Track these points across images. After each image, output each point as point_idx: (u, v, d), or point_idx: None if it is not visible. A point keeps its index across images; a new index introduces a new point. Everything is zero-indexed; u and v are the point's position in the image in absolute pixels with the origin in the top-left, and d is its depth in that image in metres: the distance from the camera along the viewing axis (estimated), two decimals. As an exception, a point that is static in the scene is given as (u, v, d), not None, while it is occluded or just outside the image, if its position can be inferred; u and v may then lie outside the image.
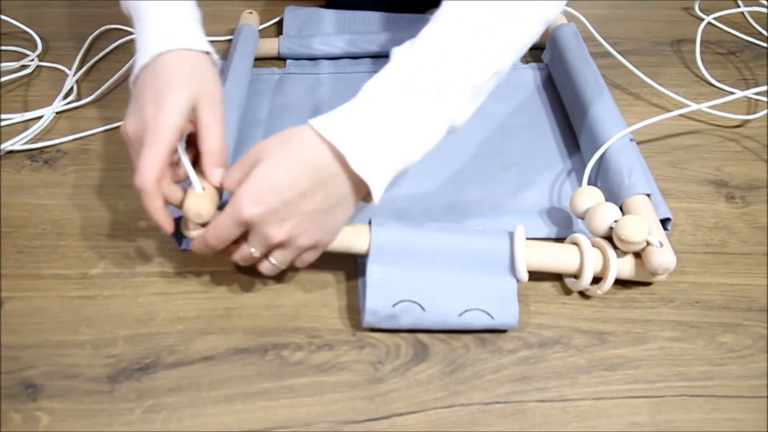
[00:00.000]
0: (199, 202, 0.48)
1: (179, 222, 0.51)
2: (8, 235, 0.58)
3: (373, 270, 0.50)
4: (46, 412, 0.46)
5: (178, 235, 0.52)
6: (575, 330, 0.52)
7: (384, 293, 0.49)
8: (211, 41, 0.80)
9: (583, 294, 0.54)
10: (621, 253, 0.52)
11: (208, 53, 0.52)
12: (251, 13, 0.81)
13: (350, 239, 0.51)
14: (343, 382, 0.48)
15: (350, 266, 0.55)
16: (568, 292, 0.54)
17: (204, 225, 0.49)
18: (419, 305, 0.49)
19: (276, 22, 0.85)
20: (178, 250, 0.56)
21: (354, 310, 0.52)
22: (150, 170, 0.46)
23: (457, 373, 0.49)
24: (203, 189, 0.48)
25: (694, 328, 0.52)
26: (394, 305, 0.49)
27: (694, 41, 0.81)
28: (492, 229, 0.53)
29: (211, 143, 0.49)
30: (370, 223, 0.52)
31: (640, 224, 0.51)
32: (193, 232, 0.49)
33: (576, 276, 0.53)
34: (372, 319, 0.49)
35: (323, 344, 0.50)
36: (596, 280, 0.52)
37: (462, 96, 0.47)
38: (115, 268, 0.55)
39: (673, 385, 0.48)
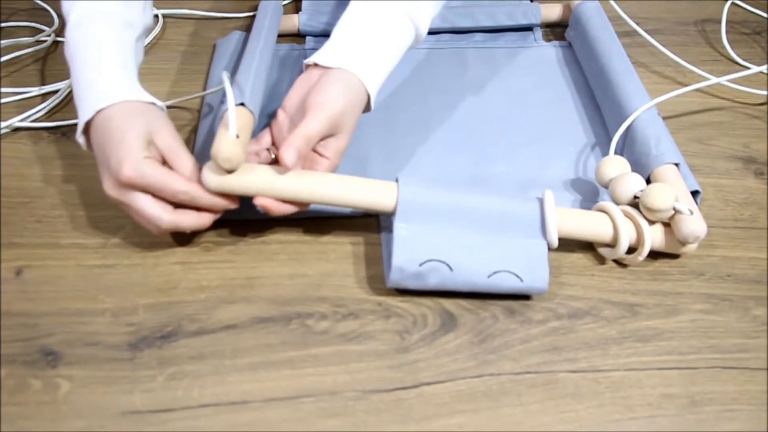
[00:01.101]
0: (233, 146, 0.47)
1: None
2: (26, 204, 0.57)
3: (399, 227, 0.49)
4: (67, 379, 0.45)
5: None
6: (605, 301, 0.50)
7: (411, 251, 0.48)
8: (232, 17, 0.81)
9: (615, 264, 0.53)
10: (649, 222, 0.51)
11: (152, 104, 0.52)
12: None
13: (378, 195, 0.49)
14: (370, 351, 0.47)
15: (374, 237, 0.54)
16: (597, 263, 0.53)
17: (229, 171, 0.47)
18: (447, 265, 0.48)
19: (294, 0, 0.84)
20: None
21: (379, 279, 0.51)
22: (174, 182, 0.48)
23: (486, 343, 0.48)
24: (237, 136, 0.47)
25: (726, 301, 0.51)
26: (421, 264, 0.47)
27: (718, 21, 0.80)
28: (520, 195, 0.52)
29: (183, 164, 0.49)
30: (397, 180, 0.50)
31: (667, 191, 0.49)
32: (213, 178, 0.48)
33: (610, 245, 0.51)
34: (398, 277, 0.48)
35: (348, 313, 0.49)
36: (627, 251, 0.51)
37: (426, 18, 0.57)
38: (135, 237, 0.54)
39: (707, 357, 0.47)
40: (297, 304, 0.50)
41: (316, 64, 0.53)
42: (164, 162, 0.49)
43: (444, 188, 0.50)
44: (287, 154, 0.47)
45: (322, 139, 0.51)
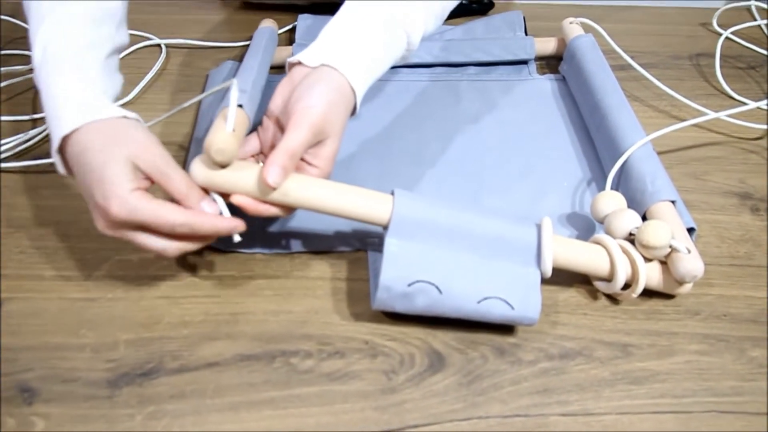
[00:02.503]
0: (228, 138, 0.45)
1: None
2: (11, 235, 0.56)
3: (391, 243, 0.47)
4: (42, 417, 0.44)
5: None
6: (598, 341, 0.49)
7: (400, 269, 0.46)
8: (226, 47, 0.81)
9: (608, 303, 0.52)
10: (645, 259, 0.50)
11: (125, 117, 0.48)
12: (271, 21, 0.80)
13: (371, 206, 0.47)
14: (355, 392, 0.46)
15: (363, 273, 0.53)
16: (590, 301, 0.52)
17: (223, 166, 0.46)
18: (436, 287, 0.46)
19: (288, 30, 0.84)
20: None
21: (366, 317, 0.50)
22: (169, 214, 0.45)
23: (475, 384, 0.46)
24: (233, 130, 0.46)
25: (722, 342, 0.50)
26: (410, 284, 0.46)
27: (712, 55, 0.80)
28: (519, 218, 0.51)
29: (178, 187, 0.46)
30: (392, 193, 0.49)
31: (664, 228, 0.49)
32: (202, 171, 0.46)
33: (606, 278, 0.50)
34: (384, 296, 0.46)
35: (334, 352, 0.48)
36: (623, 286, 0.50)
37: (418, 26, 0.55)
38: (119, 271, 0.53)
39: (702, 401, 0.46)
40: (281, 341, 0.49)
41: (300, 63, 0.51)
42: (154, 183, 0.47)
43: (441, 205, 0.48)
44: (270, 174, 0.45)
45: (310, 147, 0.48)
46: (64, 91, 0.48)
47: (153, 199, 0.45)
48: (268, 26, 0.78)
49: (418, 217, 0.47)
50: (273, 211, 0.48)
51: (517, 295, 0.47)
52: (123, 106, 0.72)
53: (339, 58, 0.50)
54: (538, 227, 0.49)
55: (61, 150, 0.47)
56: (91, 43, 0.51)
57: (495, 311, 0.47)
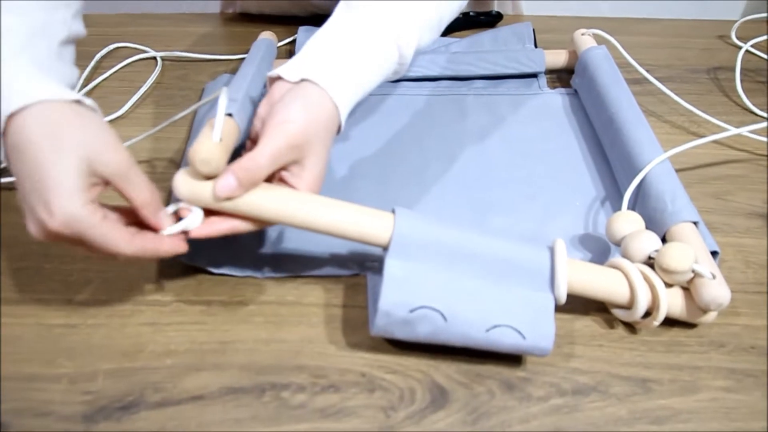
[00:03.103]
0: (214, 148, 0.42)
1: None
2: (-10, 255, 0.53)
3: (391, 265, 0.43)
4: (10, 456, 0.40)
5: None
6: (614, 376, 0.45)
7: (402, 294, 0.42)
8: (224, 59, 0.78)
9: (625, 333, 0.48)
10: (666, 285, 0.46)
11: (80, 102, 0.42)
12: (270, 33, 0.78)
13: (370, 225, 0.44)
14: (350, 430, 0.42)
15: (361, 300, 0.50)
16: (606, 331, 0.48)
17: (209, 178, 0.43)
18: (441, 314, 0.42)
19: (289, 43, 0.82)
20: (172, 277, 0.51)
21: (364, 347, 0.47)
22: (125, 245, 0.41)
23: (480, 422, 0.42)
24: (221, 140, 0.43)
25: (751, 377, 0.46)
26: (411, 311, 0.42)
27: (731, 69, 0.77)
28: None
29: (140, 194, 0.42)
30: (393, 211, 0.45)
31: (686, 251, 0.45)
32: (185, 185, 0.43)
33: (625, 306, 0.47)
34: (383, 322, 0.43)
35: (329, 385, 0.44)
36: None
37: (411, 38, 0.52)
38: (102, 295, 0.50)
39: (730, 443, 0.42)
40: (272, 372, 0.45)
41: (280, 78, 0.48)
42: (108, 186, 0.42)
43: (446, 225, 0.45)
44: (219, 184, 0.41)
45: (287, 167, 0.45)
46: (11, 69, 0.41)
47: (103, 220, 0.40)
48: (267, 38, 0.75)
49: (422, 237, 0.44)
50: (220, 232, 0.44)
51: (528, 323, 0.43)
52: (115, 120, 0.69)
53: (321, 73, 0.47)
54: (551, 250, 0.46)
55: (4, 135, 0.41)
56: (45, 24, 0.47)
57: (505, 340, 0.43)
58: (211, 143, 0.43)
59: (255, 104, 0.60)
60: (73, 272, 0.52)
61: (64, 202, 0.38)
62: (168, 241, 0.44)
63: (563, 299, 0.45)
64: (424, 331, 0.43)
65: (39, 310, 0.49)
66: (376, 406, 0.43)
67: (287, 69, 0.48)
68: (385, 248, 0.45)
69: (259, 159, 0.42)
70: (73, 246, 0.42)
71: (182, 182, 0.43)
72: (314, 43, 0.50)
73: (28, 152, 0.39)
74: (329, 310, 0.49)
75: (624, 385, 0.45)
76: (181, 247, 0.45)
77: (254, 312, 0.49)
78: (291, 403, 0.43)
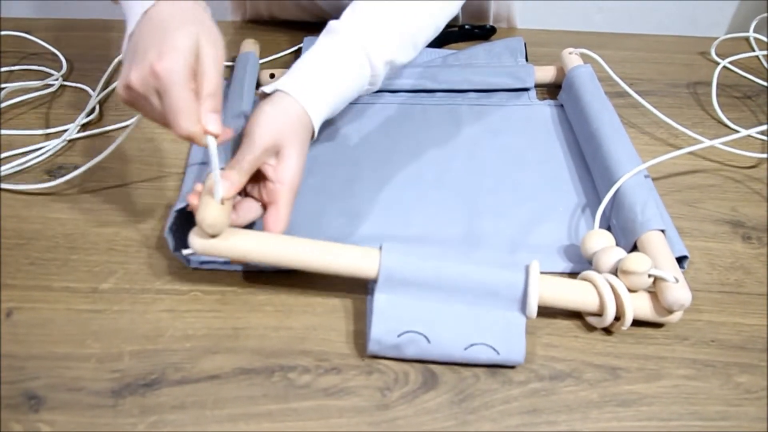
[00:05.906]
0: (218, 213, 0.48)
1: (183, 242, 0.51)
2: (21, 246, 0.58)
3: (379, 298, 0.50)
4: (48, 424, 0.45)
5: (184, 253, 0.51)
6: (587, 364, 0.51)
7: (389, 323, 0.49)
8: (227, 65, 0.82)
9: (597, 328, 0.53)
10: (632, 290, 0.51)
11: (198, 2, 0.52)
12: (253, 42, 0.81)
13: (360, 263, 0.50)
14: (350, 407, 0.47)
15: (360, 291, 0.55)
16: (581, 325, 0.53)
17: (213, 236, 0.49)
18: (425, 337, 0.48)
19: (293, 52, 0.86)
20: (189, 269, 0.56)
21: (363, 335, 0.52)
22: (187, 118, 0.47)
23: (466, 402, 0.48)
24: (222, 203, 0.49)
25: (710, 367, 0.51)
26: (399, 335, 0.48)
27: (709, 84, 0.82)
28: (506, 262, 0.53)
29: (209, 86, 0.48)
30: (380, 248, 0.51)
31: (642, 257, 0.50)
32: (198, 242, 0.49)
33: (597, 313, 0.52)
34: (376, 348, 0.49)
35: (331, 368, 0.49)
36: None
37: (384, 50, 0.60)
38: (125, 284, 0.55)
39: (688, 424, 0.47)
40: (281, 356, 0.50)
41: (264, 93, 0.57)
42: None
43: (427, 257, 0.51)
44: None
45: (266, 162, 0.53)
46: None
47: (191, 89, 0.47)
48: (250, 51, 0.79)
49: (406, 272, 0.50)
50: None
51: (501, 339, 0.49)
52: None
53: (290, 82, 0.56)
54: (527, 270, 0.51)
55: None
56: None
57: (481, 356, 0.49)
58: (215, 209, 0.48)
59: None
60: (98, 263, 0.57)
61: (174, 54, 0.46)
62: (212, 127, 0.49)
63: (534, 316, 0.50)
64: (411, 352, 0.49)
65: (68, 296, 0.54)
66: (373, 387, 0.48)
67: (270, 86, 0.56)
68: (374, 281, 0.51)
69: (233, 177, 0.50)
70: (139, 103, 0.49)
71: (196, 241, 0.49)
72: (296, 63, 0.59)
73: (159, 23, 0.48)
74: (332, 300, 0.54)
75: (596, 372, 0.50)
76: (228, 134, 0.51)
77: (264, 302, 0.54)
78: (297, 383, 0.48)
